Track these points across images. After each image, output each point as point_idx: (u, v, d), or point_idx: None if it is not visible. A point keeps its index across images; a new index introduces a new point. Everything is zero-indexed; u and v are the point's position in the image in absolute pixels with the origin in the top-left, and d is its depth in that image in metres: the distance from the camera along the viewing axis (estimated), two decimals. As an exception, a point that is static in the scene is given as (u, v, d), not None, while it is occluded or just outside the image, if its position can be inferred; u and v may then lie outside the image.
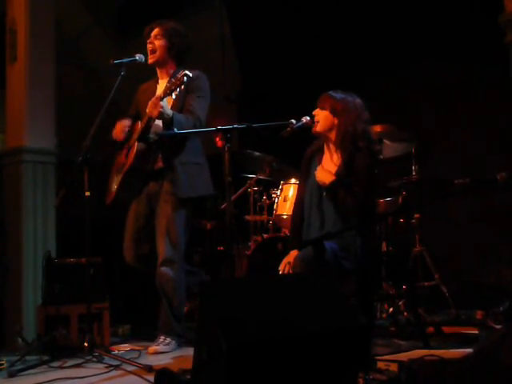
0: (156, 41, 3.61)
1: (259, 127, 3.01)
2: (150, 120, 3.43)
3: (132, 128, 3.64)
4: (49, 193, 4.60)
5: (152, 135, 3.50)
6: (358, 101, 3.13)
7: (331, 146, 3.17)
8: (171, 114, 3.32)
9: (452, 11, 4.65)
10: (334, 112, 3.09)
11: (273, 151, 4.43)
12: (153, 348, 3.44)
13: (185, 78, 3.06)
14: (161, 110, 3.27)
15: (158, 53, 3.62)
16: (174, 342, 3.50)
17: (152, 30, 3.63)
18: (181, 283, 3.56)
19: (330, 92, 3.15)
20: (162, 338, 3.50)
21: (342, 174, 3.02)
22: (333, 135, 3.12)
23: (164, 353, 3.40)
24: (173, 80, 3.18)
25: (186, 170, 3.52)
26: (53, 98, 4.76)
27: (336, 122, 3.09)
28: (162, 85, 3.67)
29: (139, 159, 3.49)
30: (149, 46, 3.62)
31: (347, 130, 3.05)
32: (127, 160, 3.57)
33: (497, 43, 3.64)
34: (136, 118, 3.73)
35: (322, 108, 3.12)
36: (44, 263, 3.93)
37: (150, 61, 3.63)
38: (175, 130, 3.26)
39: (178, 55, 3.67)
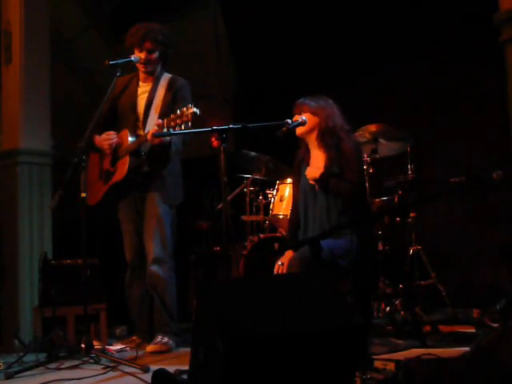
0: (151, 55, 3.60)
1: (255, 127, 3.01)
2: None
3: (118, 135, 3.63)
4: (45, 194, 4.60)
5: (144, 149, 3.51)
6: (330, 100, 3.25)
7: (315, 144, 3.23)
8: (169, 140, 3.42)
9: (448, 10, 4.66)
10: (313, 112, 3.19)
11: (268, 151, 4.43)
12: (151, 347, 3.45)
13: (192, 116, 3.04)
14: (162, 140, 3.37)
15: (152, 65, 3.63)
16: (171, 341, 3.51)
17: (144, 41, 3.57)
18: (171, 282, 3.60)
19: (301, 99, 3.25)
20: (160, 337, 3.50)
21: (330, 165, 3.09)
22: (315, 133, 3.21)
23: (162, 352, 3.40)
24: (178, 113, 3.11)
25: (173, 180, 3.63)
26: (48, 100, 4.76)
27: (317, 120, 3.17)
28: (143, 88, 3.68)
29: (131, 173, 3.51)
30: (143, 59, 3.58)
31: (328, 124, 3.16)
32: (116, 171, 3.56)
33: (492, 42, 3.66)
34: (111, 114, 3.72)
35: (300, 113, 3.21)
36: (40, 264, 3.93)
37: (145, 70, 3.64)
38: (170, 130, 3.26)
39: (164, 61, 3.71)
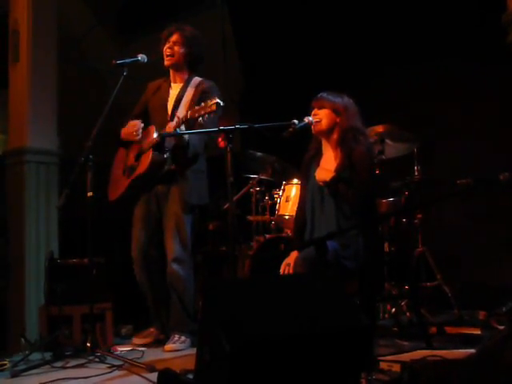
0: (176, 47, 3.64)
1: (261, 127, 3.01)
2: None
3: (144, 130, 3.65)
4: (51, 193, 4.62)
5: (168, 145, 3.51)
6: (351, 100, 3.19)
7: (331, 144, 3.18)
8: (187, 140, 3.44)
9: (455, 11, 4.65)
10: (335, 111, 3.13)
11: (275, 151, 4.43)
12: (169, 346, 3.47)
13: (215, 106, 3.03)
14: (177, 139, 3.41)
15: (175, 58, 3.66)
16: (188, 339, 3.53)
17: (171, 34, 3.65)
18: (190, 281, 3.63)
19: (324, 93, 3.20)
20: (177, 336, 3.53)
21: (342, 170, 3.05)
22: (335, 134, 3.15)
23: (180, 350, 3.44)
24: (202, 104, 3.12)
25: (196, 177, 3.63)
26: (55, 99, 4.78)
27: (338, 120, 3.12)
28: (174, 89, 3.73)
29: (153, 168, 3.51)
30: (167, 51, 3.65)
31: (351, 127, 3.11)
32: (139, 165, 3.58)
33: (500, 42, 3.65)
34: (141, 117, 3.76)
35: (321, 108, 3.15)
36: (47, 263, 3.93)
37: (167, 63, 3.68)
38: (177, 130, 3.28)
39: (193, 63, 3.74)
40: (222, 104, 3.03)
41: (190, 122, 3.40)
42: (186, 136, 3.42)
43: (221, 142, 2.95)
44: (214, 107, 3.04)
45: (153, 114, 3.75)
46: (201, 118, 3.14)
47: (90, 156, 3.29)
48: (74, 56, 5.95)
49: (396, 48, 4.92)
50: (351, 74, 5.03)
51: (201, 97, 3.60)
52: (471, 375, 1.94)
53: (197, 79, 3.73)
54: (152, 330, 3.76)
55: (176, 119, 3.40)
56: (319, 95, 3.20)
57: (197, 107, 3.16)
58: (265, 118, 3.20)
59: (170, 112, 3.66)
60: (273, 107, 5.09)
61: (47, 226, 4.57)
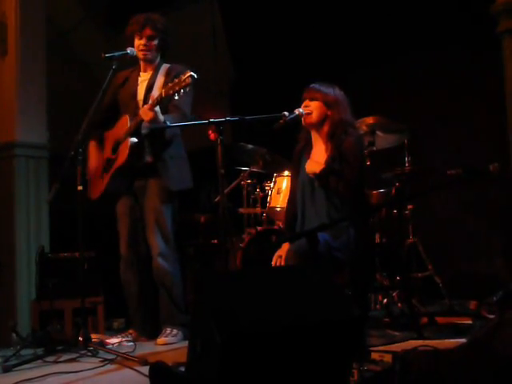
0: (151, 42, 3.59)
1: (252, 120, 3.00)
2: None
3: (116, 122, 3.63)
4: (41, 187, 4.59)
5: (144, 130, 3.47)
6: (342, 92, 3.19)
7: (322, 137, 3.18)
8: (163, 120, 3.37)
9: (445, 1, 4.65)
10: (327, 104, 3.13)
11: (266, 143, 4.42)
12: (162, 340, 3.47)
13: (190, 79, 3.00)
14: (153, 117, 3.31)
15: (151, 52, 3.62)
16: (180, 332, 3.53)
17: (143, 27, 3.57)
18: (177, 274, 3.62)
19: (315, 85, 3.19)
20: (169, 329, 3.53)
21: (332, 162, 3.06)
22: (326, 126, 3.15)
23: (172, 343, 3.44)
24: (176, 80, 3.09)
25: (176, 163, 3.59)
26: (44, 92, 4.75)
27: (329, 113, 3.12)
28: (144, 77, 3.68)
29: (133, 155, 3.47)
30: (142, 46, 3.59)
31: (341, 119, 3.11)
32: (118, 156, 3.54)
33: (489, 33, 3.65)
34: (110, 111, 3.73)
35: (313, 99, 3.14)
36: (37, 258, 3.93)
37: (143, 57, 3.63)
38: (167, 122, 3.26)
39: (164, 51, 3.71)
40: (196, 76, 2.97)
41: (164, 102, 3.35)
42: (161, 117, 3.34)
43: (211, 135, 2.94)
44: (188, 80, 3.00)
45: (123, 105, 3.69)
46: (176, 96, 3.10)
47: (80, 150, 3.28)
48: (63, 49, 5.90)
49: (386, 39, 4.92)
50: (342, 65, 5.03)
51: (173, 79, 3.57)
52: (462, 365, 1.95)
53: (166, 66, 3.68)
54: (131, 331, 3.71)
55: (150, 100, 3.34)
56: (311, 86, 3.20)
57: (170, 84, 3.12)
58: (255, 109, 3.19)
59: (141, 103, 3.60)
60: (263, 99, 5.08)
61: (37, 221, 4.55)
